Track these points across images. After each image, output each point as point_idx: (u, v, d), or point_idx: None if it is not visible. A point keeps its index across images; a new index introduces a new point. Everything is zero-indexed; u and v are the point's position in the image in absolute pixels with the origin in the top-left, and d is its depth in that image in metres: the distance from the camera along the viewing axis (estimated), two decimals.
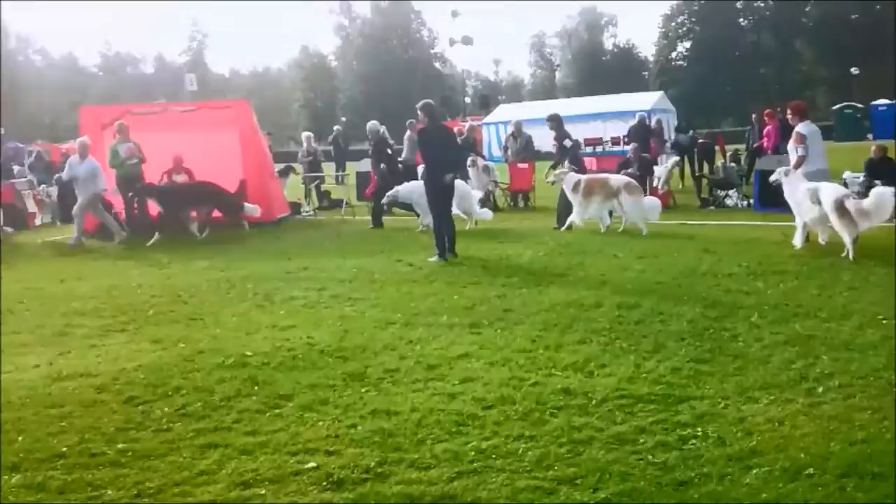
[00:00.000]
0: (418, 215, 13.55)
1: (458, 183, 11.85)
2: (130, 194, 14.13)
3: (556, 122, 13.38)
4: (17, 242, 14.44)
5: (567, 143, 13.32)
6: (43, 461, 4.25)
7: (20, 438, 4.59)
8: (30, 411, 5.05)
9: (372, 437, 4.44)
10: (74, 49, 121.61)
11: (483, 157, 20.02)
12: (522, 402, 4.88)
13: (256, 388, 5.37)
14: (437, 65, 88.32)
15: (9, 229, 15.37)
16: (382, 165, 14.95)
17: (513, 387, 5.18)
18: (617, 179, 12.53)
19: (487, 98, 60.70)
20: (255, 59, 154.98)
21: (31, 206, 18.03)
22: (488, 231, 13.23)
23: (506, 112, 44.14)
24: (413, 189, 13.20)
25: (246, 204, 14.22)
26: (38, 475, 4.06)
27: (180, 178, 15.13)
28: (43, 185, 18.81)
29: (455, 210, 12.02)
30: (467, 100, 73.64)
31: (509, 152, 19.18)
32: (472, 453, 4.17)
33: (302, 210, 18.23)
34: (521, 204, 17.82)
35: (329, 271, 9.87)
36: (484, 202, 14.99)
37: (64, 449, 4.40)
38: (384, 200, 13.89)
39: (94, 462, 4.22)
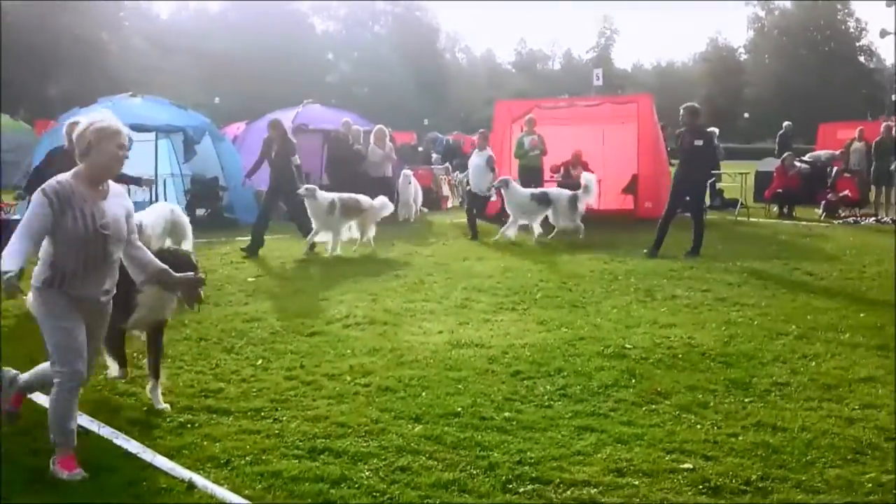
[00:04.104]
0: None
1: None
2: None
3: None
4: (430, 222, 16.20)
5: None
6: (441, 417, 4.73)
7: (424, 394, 5.16)
8: (433, 371, 5.65)
9: (754, 449, 4.21)
10: (494, 47, 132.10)
11: None
12: None
13: (634, 380, 5.40)
14: (862, 58, 79.56)
15: (425, 209, 17.31)
16: None
17: None
18: None
19: None
20: (659, 53, 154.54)
21: (445, 191, 20.07)
22: None
23: None
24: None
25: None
26: (436, 428, 4.54)
27: (576, 172, 15.69)
28: (456, 172, 20.83)
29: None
30: (894, 97, 65.18)
31: None
32: (870, 485, 3.78)
33: None
34: None
35: (716, 273, 9.51)
36: None
37: (459, 409, 4.85)
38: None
39: (483, 425, 4.60)
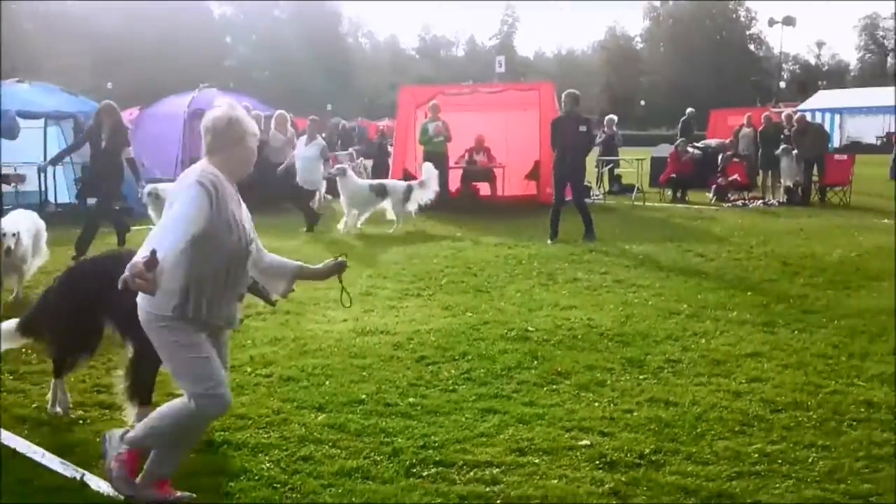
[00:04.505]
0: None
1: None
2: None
3: None
4: (335, 209, 16.01)
5: None
6: (345, 405, 4.71)
7: (327, 383, 5.12)
8: (337, 359, 5.62)
9: (648, 424, 4.37)
10: (398, 32, 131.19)
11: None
12: (817, 410, 4.54)
13: (536, 362, 5.51)
14: (752, 47, 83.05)
15: (329, 196, 17.10)
16: None
17: (808, 392, 4.83)
18: None
19: (805, 84, 56.16)
20: (560, 42, 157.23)
21: None
22: (798, 227, 12.33)
23: (825, 99, 40.35)
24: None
25: None
26: (340, 417, 4.52)
27: (479, 158, 15.84)
28: (361, 158, 20.69)
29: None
30: (782, 84, 68.47)
31: None
32: (756, 455, 3.97)
33: (591, 193, 18.19)
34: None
35: (613, 256, 9.81)
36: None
37: (363, 396, 4.84)
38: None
39: (387, 411, 4.61)
